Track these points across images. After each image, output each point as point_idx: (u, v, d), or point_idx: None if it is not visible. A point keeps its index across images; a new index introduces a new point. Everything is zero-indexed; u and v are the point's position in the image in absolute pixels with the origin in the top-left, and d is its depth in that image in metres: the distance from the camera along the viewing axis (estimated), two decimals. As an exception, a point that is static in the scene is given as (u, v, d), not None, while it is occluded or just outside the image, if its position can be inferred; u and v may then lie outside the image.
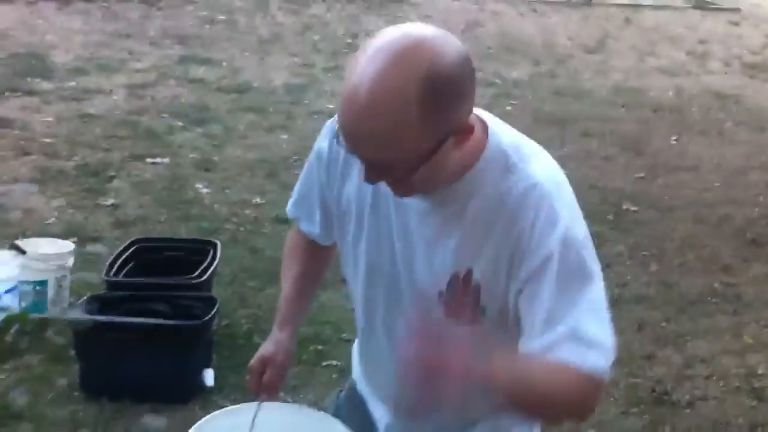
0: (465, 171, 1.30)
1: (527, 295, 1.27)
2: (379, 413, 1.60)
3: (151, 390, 3.05)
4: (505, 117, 1.41)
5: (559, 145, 5.62)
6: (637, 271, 4.31)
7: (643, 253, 4.48)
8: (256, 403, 1.58)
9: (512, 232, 1.27)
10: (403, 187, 1.29)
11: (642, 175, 5.60)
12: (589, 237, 1.30)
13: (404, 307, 1.39)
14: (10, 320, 3.35)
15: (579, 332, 1.23)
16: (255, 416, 1.54)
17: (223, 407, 1.68)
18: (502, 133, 1.34)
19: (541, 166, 1.32)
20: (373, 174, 1.25)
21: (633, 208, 5.04)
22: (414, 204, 1.34)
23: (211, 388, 3.18)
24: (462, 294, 1.33)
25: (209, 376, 3.20)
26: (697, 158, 6.06)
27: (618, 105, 7.19)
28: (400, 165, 1.22)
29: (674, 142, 6.39)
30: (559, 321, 1.23)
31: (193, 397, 3.11)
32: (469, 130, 1.25)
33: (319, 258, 1.67)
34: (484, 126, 1.33)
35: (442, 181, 1.29)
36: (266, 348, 1.63)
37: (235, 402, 1.87)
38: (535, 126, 5.81)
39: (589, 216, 1.33)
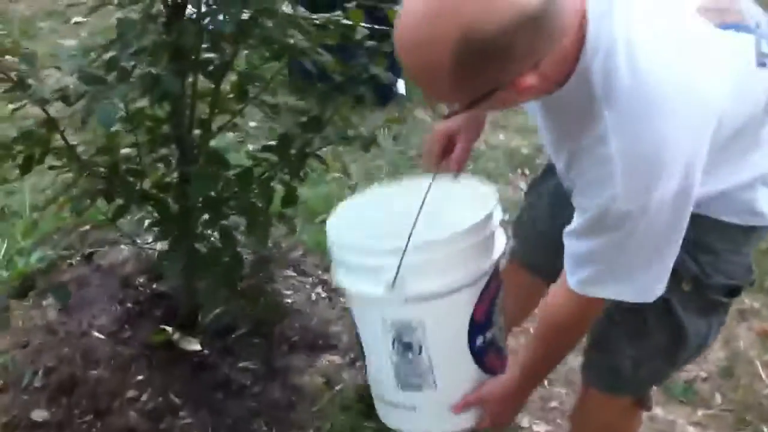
0: (557, 86, 1.17)
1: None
2: None
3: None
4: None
5: None
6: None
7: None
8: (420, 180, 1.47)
9: (582, 166, 1.19)
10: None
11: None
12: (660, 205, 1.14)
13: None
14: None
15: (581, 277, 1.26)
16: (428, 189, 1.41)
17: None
18: (607, 57, 1.12)
19: (630, 131, 1.11)
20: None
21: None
22: None
23: (402, 96, 3.45)
24: None
25: (402, 86, 3.45)
26: None
27: None
28: (446, 103, 1.19)
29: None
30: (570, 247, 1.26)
31: (390, 101, 3.39)
32: (523, 83, 1.09)
33: None
34: (580, 43, 1.12)
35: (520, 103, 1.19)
36: (454, 118, 1.50)
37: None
38: None
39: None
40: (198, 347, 2.07)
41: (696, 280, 1.33)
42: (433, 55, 1.06)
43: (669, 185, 1.12)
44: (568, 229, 1.25)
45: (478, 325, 1.50)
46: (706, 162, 1.16)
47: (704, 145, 1.14)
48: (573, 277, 1.27)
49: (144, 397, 1.92)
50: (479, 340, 1.51)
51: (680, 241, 1.21)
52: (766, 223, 1.31)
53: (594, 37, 1.11)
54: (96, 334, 2.08)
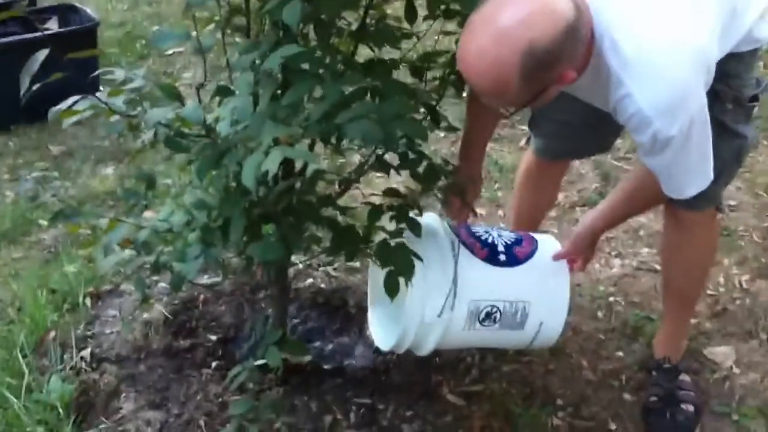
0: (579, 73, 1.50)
1: None
2: None
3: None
4: None
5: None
6: None
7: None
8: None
9: (621, 118, 1.55)
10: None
11: None
12: (690, 122, 1.52)
13: None
14: None
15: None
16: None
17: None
18: (614, 43, 1.47)
19: (651, 86, 1.47)
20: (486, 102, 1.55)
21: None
22: None
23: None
24: None
25: None
26: None
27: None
28: (506, 106, 1.54)
29: None
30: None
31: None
32: (568, 77, 1.45)
33: None
34: (591, 33, 1.47)
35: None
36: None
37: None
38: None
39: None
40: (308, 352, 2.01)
41: (735, 99, 1.76)
42: (503, 70, 1.39)
43: (692, 106, 1.52)
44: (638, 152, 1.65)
45: (490, 257, 1.80)
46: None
47: (703, 67, 1.53)
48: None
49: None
50: (502, 258, 1.81)
51: (711, 137, 1.60)
52: (759, 45, 1.75)
53: (597, 27, 1.48)
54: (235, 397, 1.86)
